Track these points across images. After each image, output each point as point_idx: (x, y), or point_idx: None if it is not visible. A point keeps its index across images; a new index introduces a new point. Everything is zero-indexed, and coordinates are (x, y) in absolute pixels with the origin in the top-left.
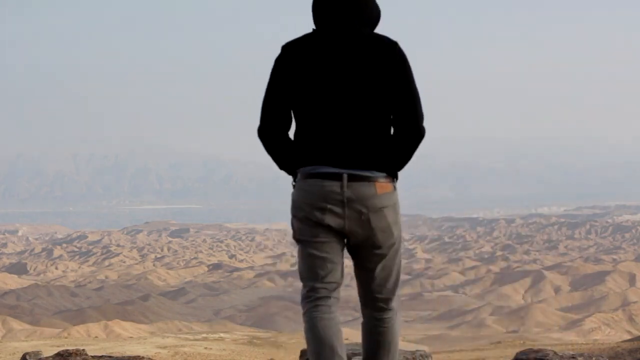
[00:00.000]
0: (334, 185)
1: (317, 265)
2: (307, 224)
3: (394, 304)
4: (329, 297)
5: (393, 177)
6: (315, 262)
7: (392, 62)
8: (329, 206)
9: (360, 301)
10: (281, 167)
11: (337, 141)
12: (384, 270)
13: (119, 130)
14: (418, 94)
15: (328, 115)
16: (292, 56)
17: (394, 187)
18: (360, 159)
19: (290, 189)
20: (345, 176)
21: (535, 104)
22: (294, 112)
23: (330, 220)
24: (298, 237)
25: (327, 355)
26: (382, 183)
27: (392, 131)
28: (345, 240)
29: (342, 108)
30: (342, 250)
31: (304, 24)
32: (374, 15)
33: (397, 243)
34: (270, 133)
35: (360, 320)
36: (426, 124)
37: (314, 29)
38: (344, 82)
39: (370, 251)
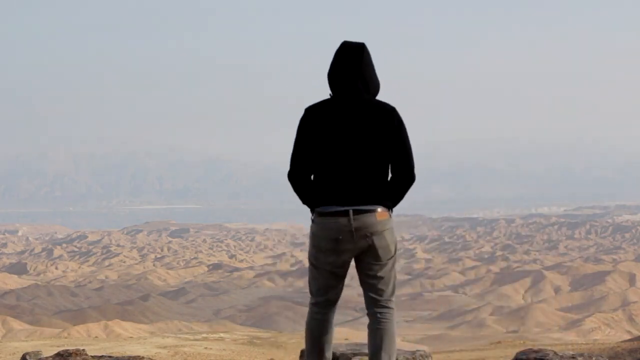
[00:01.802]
0: (344, 220)
1: (323, 286)
2: (324, 253)
3: (392, 304)
4: (328, 311)
5: (389, 208)
6: (323, 283)
7: (391, 124)
8: (341, 237)
9: (365, 303)
10: (305, 203)
11: (346, 185)
12: (384, 278)
13: (119, 130)
14: (411, 148)
15: (340, 165)
16: (313, 117)
17: (390, 215)
18: (363, 198)
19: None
20: (351, 211)
21: (534, 104)
22: (314, 161)
23: (343, 246)
24: (313, 262)
25: (315, 352)
26: (380, 212)
27: (389, 176)
28: (354, 258)
29: (351, 159)
30: (345, 275)
31: (298, 28)
32: (377, 86)
33: (394, 257)
34: (298, 177)
35: (360, 320)
36: (416, 168)
37: (330, 95)
38: (353, 139)
39: (372, 264)
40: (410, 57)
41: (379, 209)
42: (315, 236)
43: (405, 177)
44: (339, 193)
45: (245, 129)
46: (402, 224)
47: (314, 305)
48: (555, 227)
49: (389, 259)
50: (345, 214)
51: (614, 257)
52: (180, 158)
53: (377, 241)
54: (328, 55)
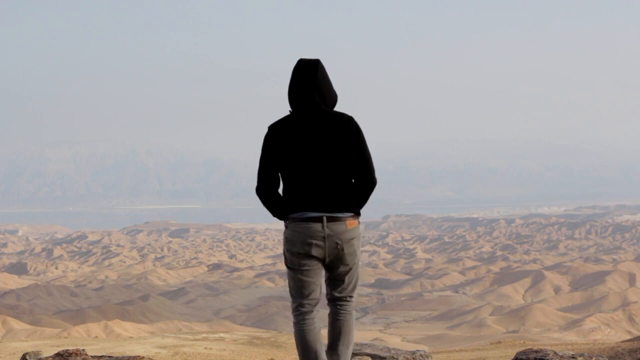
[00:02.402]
0: (317, 226)
1: (303, 287)
2: (298, 256)
3: (352, 298)
4: (312, 311)
5: (357, 214)
6: (302, 284)
7: (349, 132)
8: (314, 241)
9: (327, 298)
10: (274, 215)
11: (316, 193)
12: (348, 279)
13: (119, 130)
14: (370, 154)
15: (307, 175)
16: (276, 134)
17: (358, 222)
18: (333, 205)
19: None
20: (325, 218)
21: (534, 105)
22: (281, 174)
23: (315, 251)
24: (289, 265)
25: (312, 358)
26: (350, 221)
27: (352, 181)
28: (324, 262)
29: (316, 168)
30: (322, 274)
31: (298, 28)
32: (334, 98)
33: (358, 260)
34: (265, 191)
35: (360, 320)
36: (377, 176)
37: (290, 111)
38: (316, 150)
39: (339, 267)
40: (411, 57)
41: (349, 217)
42: (289, 241)
43: (366, 182)
44: (311, 200)
45: (245, 129)
46: (402, 224)
47: (297, 307)
48: (555, 227)
49: (355, 263)
50: (319, 220)
51: (614, 257)
52: (180, 158)
53: (346, 248)
54: (328, 55)
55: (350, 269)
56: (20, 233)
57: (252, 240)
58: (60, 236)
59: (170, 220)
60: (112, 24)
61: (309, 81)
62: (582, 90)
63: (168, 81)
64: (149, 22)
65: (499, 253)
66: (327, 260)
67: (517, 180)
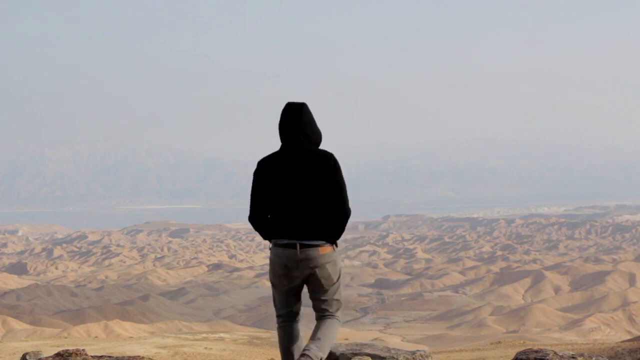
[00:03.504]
0: (293, 251)
1: (284, 302)
2: (279, 277)
3: (337, 314)
4: (292, 320)
5: (332, 243)
6: (283, 300)
7: (327, 167)
8: (289, 265)
9: (314, 310)
10: (264, 238)
11: (295, 222)
12: (327, 300)
13: (119, 130)
14: (344, 186)
15: (289, 205)
16: (264, 169)
17: (333, 249)
18: (308, 233)
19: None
20: (298, 245)
21: (534, 105)
22: (269, 204)
23: (292, 273)
24: (273, 283)
25: (287, 357)
26: (323, 247)
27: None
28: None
29: (297, 200)
30: (299, 294)
31: (298, 29)
32: (317, 137)
33: (337, 283)
34: (256, 219)
35: (360, 320)
36: (351, 206)
37: (281, 146)
38: (298, 183)
39: (317, 290)
40: (411, 57)
41: (323, 245)
42: (271, 262)
43: (340, 213)
44: (289, 228)
45: (245, 129)
46: (402, 224)
47: (279, 316)
48: (555, 227)
49: (332, 285)
50: (294, 246)
51: (614, 257)
52: (180, 158)
53: (319, 272)
54: (328, 55)
55: (327, 291)
56: (20, 233)
57: (252, 240)
58: (60, 236)
59: (170, 220)
60: (112, 24)
61: (294, 123)
62: (582, 90)
63: (168, 81)
64: (149, 22)
65: (499, 253)
66: (304, 281)
67: (517, 180)
